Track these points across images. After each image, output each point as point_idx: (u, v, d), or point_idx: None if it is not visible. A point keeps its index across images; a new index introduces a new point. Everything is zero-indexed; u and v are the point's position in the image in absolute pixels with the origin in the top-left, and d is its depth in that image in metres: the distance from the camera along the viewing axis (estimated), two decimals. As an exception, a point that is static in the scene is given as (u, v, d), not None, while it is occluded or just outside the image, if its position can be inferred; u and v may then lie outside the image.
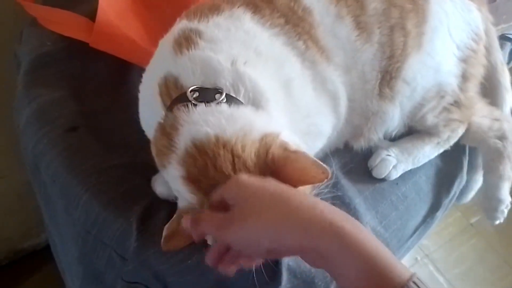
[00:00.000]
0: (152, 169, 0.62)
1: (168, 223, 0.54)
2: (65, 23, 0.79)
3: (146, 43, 0.75)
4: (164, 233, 0.53)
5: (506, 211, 0.81)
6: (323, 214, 0.44)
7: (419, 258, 1.58)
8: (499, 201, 0.80)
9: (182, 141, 0.52)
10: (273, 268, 0.62)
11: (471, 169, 0.87)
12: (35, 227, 1.27)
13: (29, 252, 1.33)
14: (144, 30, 0.79)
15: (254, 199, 0.46)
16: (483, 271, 1.60)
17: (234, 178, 0.49)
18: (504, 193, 0.80)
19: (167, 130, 0.54)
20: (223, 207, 0.49)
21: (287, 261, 0.63)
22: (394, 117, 0.74)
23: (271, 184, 0.48)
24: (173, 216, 0.62)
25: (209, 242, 0.60)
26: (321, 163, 0.49)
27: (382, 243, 0.44)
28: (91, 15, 0.76)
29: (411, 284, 0.40)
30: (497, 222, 0.82)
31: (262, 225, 0.45)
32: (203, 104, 0.53)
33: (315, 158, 0.49)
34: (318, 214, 0.44)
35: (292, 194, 0.46)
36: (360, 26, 0.67)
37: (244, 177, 0.48)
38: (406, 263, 1.55)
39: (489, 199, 0.81)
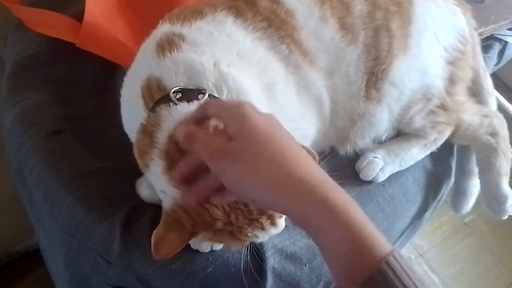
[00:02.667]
0: (136, 173, 0.62)
1: (155, 230, 0.53)
2: (52, 24, 0.78)
3: (133, 44, 0.75)
4: (152, 241, 0.52)
5: None
6: (317, 182, 0.43)
7: (413, 258, 1.58)
8: (504, 197, 0.80)
9: (164, 134, 0.52)
10: (257, 271, 0.62)
11: (466, 174, 0.86)
12: (28, 229, 1.26)
13: (22, 254, 1.33)
14: (131, 31, 0.79)
15: (256, 145, 0.44)
16: (478, 271, 1.60)
17: (241, 108, 0.45)
18: (506, 187, 0.80)
19: (149, 128, 0.54)
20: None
21: (272, 264, 0.63)
22: (382, 120, 0.74)
23: (276, 132, 0.45)
24: (157, 220, 0.62)
25: (193, 246, 0.60)
26: (309, 147, 0.49)
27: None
28: (78, 16, 0.76)
29: (391, 258, 0.40)
30: (507, 216, 0.82)
31: (256, 178, 0.43)
32: (185, 102, 0.53)
33: (301, 143, 0.48)
34: (312, 181, 0.43)
35: (294, 155, 0.44)
36: (345, 27, 0.67)
37: (251, 111, 0.45)
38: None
39: (493, 197, 0.81)
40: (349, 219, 0.41)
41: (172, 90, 0.54)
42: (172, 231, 0.52)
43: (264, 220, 0.53)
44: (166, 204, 0.54)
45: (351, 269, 0.41)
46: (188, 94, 0.54)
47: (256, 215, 0.52)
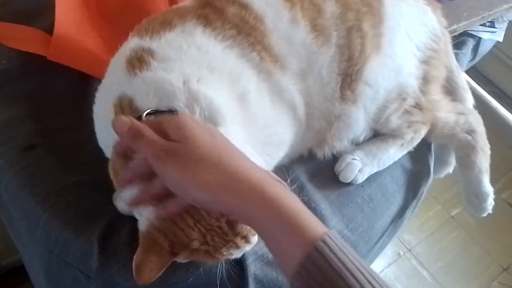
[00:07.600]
0: (113, 186, 0.61)
1: (135, 255, 0.52)
2: (23, 38, 0.78)
3: (105, 54, 0.74)
4: (133, 266, 0.51)
5: (493, 201, 0.82)
6: (256, 180, 0.46)
7: (401, 253, 1.59)
8: (485, 194, 0.81)
9: None
10: (239, 280, 0.62)
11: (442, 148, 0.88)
12: (13, 244, 1.24)
13: (9, 269, 1.31)
14: (102, 41, 0.78)
15: (197, 148, 0.47)
16: (466, 263, 1.61)
17: (179, 117, 0.49)
18: (487, 185, 0.81)
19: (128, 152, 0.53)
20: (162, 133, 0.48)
21: (253, 271, 0.63)
22: (358, 120, 0.74)
23: (216, 139, 0.49)
24: (136, 232, 0.62)
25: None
26: (273, 174, 0.50)
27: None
28: (49, 29, 0.75)
29: (326, 237, 0.44)
30: (486, 213, 0.83)
31: (197, 177, 0.46)
32: None
33: (266, 169, 0.50)
34: (252, 180, 0.46)
35: (231, 154, 0.48)
36: (317, 29, 0.67)
37: (188, 120, 0.49)
38: (388, 258, 1.56)
39: (475, 195, 0.82)
40: (284, 210, 0.45)
41: (145, 113, 0.54)
42: (151, 253, 0.52)
43: (238, 240, 0.53)
44: (142, 225, 0.54)
45: (288, 254, 0.45)
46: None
47: (231, 235, 0.52)
